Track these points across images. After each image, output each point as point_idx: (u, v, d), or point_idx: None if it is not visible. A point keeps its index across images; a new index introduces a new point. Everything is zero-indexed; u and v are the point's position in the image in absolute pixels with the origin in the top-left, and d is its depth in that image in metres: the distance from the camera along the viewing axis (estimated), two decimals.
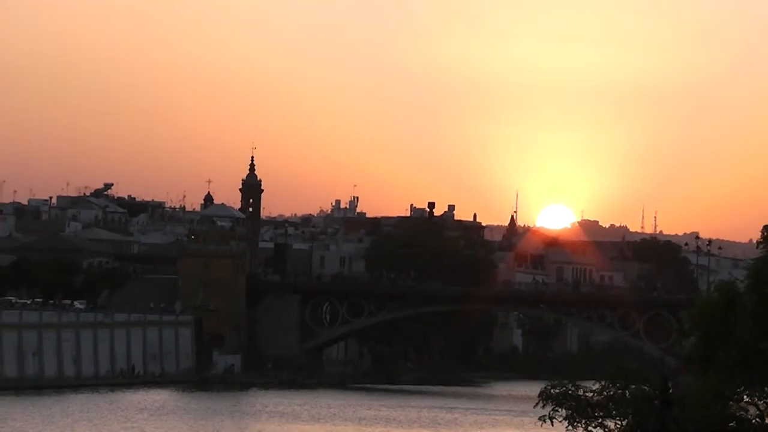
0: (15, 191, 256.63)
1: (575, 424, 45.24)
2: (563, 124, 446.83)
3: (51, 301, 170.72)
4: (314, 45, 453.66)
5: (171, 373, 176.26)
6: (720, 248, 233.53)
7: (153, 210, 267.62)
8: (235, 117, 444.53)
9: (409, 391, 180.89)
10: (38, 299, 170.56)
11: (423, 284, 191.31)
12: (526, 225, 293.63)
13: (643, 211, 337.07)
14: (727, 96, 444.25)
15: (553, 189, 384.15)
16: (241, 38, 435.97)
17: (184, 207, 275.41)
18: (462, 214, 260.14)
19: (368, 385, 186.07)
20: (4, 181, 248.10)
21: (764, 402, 45.18)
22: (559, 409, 45.24)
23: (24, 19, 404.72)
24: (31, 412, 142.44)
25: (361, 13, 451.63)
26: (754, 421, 45.02)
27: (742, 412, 45.22)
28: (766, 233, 45.22)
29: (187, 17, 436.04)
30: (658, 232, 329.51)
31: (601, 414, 45.48)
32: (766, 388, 45.00)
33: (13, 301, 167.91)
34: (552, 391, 45.99)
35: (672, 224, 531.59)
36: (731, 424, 44.67)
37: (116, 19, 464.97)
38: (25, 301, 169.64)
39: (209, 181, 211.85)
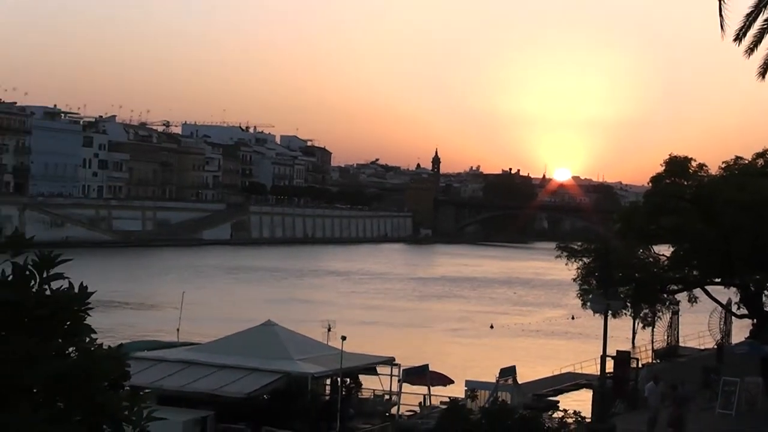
0: None
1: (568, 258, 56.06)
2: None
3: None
4: None
5: (403, 236, 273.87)
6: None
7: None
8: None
9: (500, 246, 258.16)
10: None
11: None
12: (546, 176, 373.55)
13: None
14: None
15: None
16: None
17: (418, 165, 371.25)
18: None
19: (479, 242, 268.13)
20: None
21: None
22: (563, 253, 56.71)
23: None
24: (336, 253, 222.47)
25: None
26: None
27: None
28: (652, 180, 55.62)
29: None
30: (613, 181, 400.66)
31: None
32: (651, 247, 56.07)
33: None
34: (560, 245, 58.63)
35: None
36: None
37: None
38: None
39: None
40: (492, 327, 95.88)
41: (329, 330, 48.26)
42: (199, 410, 40.25)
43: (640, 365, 58.08)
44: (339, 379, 45.14)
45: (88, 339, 11.92)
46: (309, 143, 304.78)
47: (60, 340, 11.82)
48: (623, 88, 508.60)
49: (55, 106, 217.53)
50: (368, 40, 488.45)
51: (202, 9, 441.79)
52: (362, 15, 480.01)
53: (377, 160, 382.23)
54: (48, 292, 11.68)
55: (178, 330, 54.03)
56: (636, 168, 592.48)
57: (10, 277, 11.76)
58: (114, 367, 11.88)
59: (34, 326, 11.66)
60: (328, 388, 46.68)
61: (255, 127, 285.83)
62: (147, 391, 13.72)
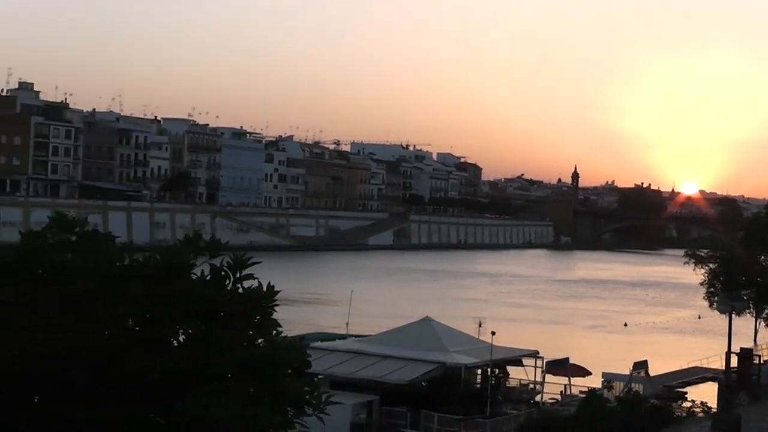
0: None
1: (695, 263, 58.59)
2: None
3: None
4: None
5: (545, 243, 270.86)
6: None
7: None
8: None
9: (633, 252, 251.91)
10: None
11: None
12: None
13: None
14: None
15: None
16: None
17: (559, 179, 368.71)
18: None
19: (614, 249, 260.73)
20: None
21: None
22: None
23: None
24: (486, 257, 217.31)
25: None
26: None
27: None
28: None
29: None
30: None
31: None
32: None
33: None
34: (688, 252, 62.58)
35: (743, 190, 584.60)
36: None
37: None
38: None
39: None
40: (626, 325, 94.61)
41: (480, 326, 48.17)
42: (365, 395, 40.57)
43: (761, 361, 56.69)
44: (489, 369, 45.00)
45: (274, 332, 12.16)
46: (462, 160, 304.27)
47: (250, 333, 12.08)
48: (747, 108, 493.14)
49: (241, 127, 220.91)
50: (516, 66, 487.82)
51: (367, 42, 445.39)
52: (511, 41, 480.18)
53: (522, 175, 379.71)
54: (240, 291, 11.96)
55: (347, 324, 54.43)
56: (757, 183, 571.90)
57: (208, 276, 12.06)
58: (296, 357, 12.06)
59: (228, 320, 11.93)
60: (479, 377, 46.54)
61: (414, 145, 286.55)
62: (320, 377, 13.97)
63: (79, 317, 11.12)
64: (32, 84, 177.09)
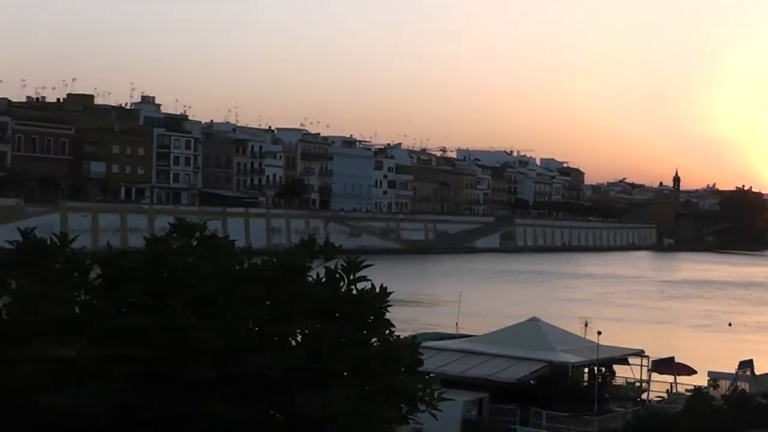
0: None
1: None
2: None
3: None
4: None
5: (648, 245, 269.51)
6: None
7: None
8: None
9: (735, 254, 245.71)
10: None
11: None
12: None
13: None
14: None
15: None
16: None
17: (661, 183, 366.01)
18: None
19: (717, 250, 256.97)
20: None
21: None
22: None
23: None
24: (590, 259, 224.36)
25: None
26: None
27: None
28: None
29: None
30: None
31: None
32: None
33: None
34: None
35: None
36: None
37: None
38: None
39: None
40: (730, 324, 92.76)
41: (586, 325, 47.71)
42: (476, 392, 40.42)
43: None
44: (595, 367, 44.55)
45: (387, 331, 12.19)
46: (565, 165, 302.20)
47: (364, 332, 12.13)
48: None
49: (351, 136, 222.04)
50: (617, 72, 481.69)
51: (472, 52, 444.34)
52: (612, 48, 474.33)
53: (624, 179, 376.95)
54: (354, 292, 12.02)
55: (456, 324, 54.28)
56: None
57: (324, 278, 12.15)
58: (409, 355, 12.07)
59: (343, 320, 12.00)
60: (585, 375, 46.09)
61: (518, 151, 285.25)
62: (432, 375, 13.93)
63: (202, 318, 11.27)
64: (154, 98, 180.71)
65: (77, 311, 11.43)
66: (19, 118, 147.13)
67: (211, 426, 10.88)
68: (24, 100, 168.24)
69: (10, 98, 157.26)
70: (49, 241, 11.62)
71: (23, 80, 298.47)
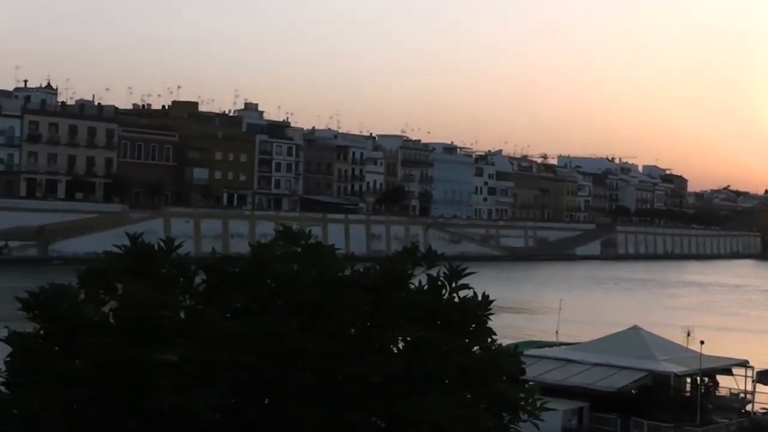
0: None
1: None
2: None
3: None
4: None
5: (752, 253, 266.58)
6: None
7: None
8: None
9: None
10: None
11: None
12: None
13: None
14: None
15: None
16: None
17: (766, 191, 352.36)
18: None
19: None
20: None
21: None
22: None
23: None
24: (693, 267, 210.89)
25: None
26: None
27: None
28: None
29: None
30: None
31: None
32: None
33: None
34: None
35: None
36: None
37: None
38: None
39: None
40: None
41: (689, 335, 47.03)
42: (576, 401, 40.08)
43: None
44: (698, 378, 43.81)
45: (489, 339, 12.16)
46: (667, 172, 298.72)
47: (466, 340, 12.12)
48: None
49: (451, 142, 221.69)
50: (718, 80, 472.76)
51: (571, 61, 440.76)
52: (715, 57, 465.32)
53: (728, 186, 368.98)
54: (456, 300, 12.02)
55: (557, 332, 53.86)
56: None
57: (426, 286, 12.18)
58: (511, 364, 12.02)
59: (445, 327, 12.01)
60: (688, 385, 45.31)
61: (620, 158, 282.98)
62: (531, 383, 13.86)
63: (305, 324, 11.38)
64: (257, 105, 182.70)
65: (182, 316, 11.63)
66: (126, 125, 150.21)
67: (314, 431, 10.98)
68: (130, 107, 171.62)
69: (117, 105, 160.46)
70: (156, 247, 11.83)
71: (130, 88, 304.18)
